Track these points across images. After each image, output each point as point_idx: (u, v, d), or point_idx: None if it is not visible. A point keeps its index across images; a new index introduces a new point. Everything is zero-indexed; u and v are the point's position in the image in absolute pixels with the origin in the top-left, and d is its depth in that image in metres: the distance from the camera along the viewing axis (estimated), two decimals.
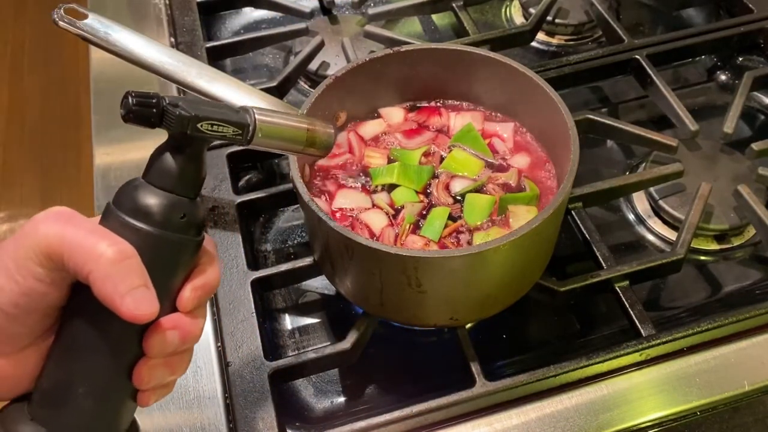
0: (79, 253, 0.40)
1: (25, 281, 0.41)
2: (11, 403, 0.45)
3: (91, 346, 0.43)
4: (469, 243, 0.62)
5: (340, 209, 0.65)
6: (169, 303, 0.45)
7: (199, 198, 0.47)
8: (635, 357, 0.64)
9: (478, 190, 0.66)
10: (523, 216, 0.63)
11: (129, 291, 0.40)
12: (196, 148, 0.45)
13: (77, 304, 0.43)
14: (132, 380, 0.44)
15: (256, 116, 0.48)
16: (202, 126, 0.44)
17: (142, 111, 0.43)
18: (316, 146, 0.55)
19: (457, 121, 0.72)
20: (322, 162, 0.69)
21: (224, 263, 0.71)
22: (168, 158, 0.44)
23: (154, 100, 0.43)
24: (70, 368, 0.43)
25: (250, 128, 0.47)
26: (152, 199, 0.44)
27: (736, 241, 0.77)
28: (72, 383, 0.43)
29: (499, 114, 0.72)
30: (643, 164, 0.81)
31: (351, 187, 0.67)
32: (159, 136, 0.70)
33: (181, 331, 0.45)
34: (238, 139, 0.47)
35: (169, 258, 0.45)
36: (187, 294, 0.45)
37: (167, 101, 0.43)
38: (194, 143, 0.45)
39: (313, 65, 0.91)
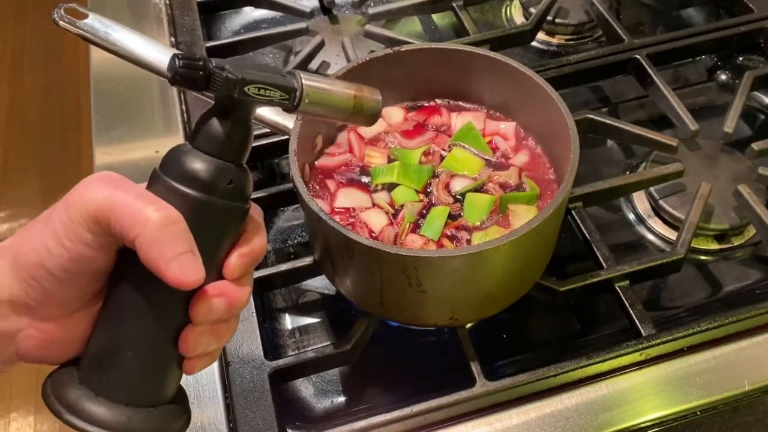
0: (126, 218, 0.40)
1: (74, 246, 0.41)
2: (61, 367, 0.45)
3: (138, 312, 0.43)
4: (469, 242, 0.62)
5: (340, 209, 0.65)
6: (215, 270, 0.45)
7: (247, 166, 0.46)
8: (635, 357, 0.64)
9: (478, 189, 0.66)
10: (523, 215, 0.63)
11: (175, 257, 0.40)
12: (243, 112, 0.45)
13: (124, 269, 0.43)
14: (178, 347, 0.44)
15: (303, 81, 0.47)
16: (249, 90, 0.43)
17: (189, 73, 0.42)
18: (363, 114, 0.52)
19: (458, 120, 0.72)
20: (322, 161, 0.69)
21: None
22: (215, 123, 0.44)
23: (200, 63, 0.42)
24: (117, 333, 0.43)
25: (297, 93, 0.46)
26: (199, 164, 0.43)
27: (737, 241, 0.77)
28: (119, 348, 0.43)
29: (498, 113, 0.72)
30: (644, 164, 0.81)
31: (351, 186, 0.67)
32: (159, 137, 0.70)
33: (227, 298, 0.44)
34: (285, 104, 0.46)
35: (215, 224, 0.44)
36: (234, 261, 0.45)
37: (214, 64, 0.43)
38: (241, 107, 0.44)
39: (314, 65, 0.91)
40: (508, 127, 0.71)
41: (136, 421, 0.43)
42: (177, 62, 0.42)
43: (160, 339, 0.44)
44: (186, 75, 0.42)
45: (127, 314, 0.43)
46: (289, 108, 0.47)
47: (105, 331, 0.44)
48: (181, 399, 0.47)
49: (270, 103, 0.45)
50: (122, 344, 0.43)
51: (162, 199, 0.42)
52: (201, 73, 0.42)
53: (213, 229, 0.44)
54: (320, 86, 0.48)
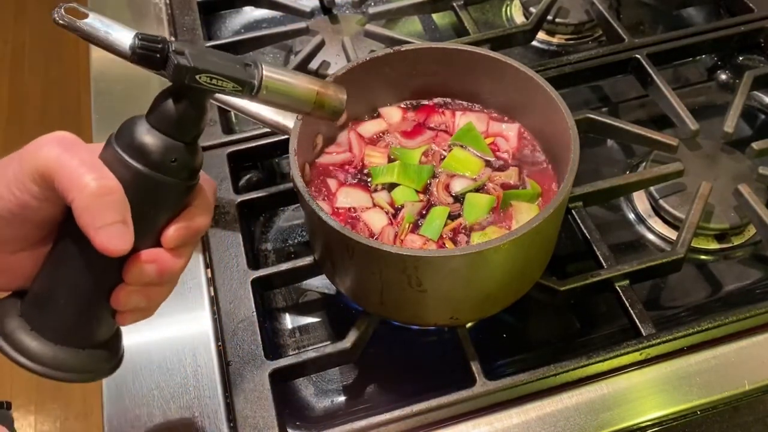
0: (67, 180, 0.43)
1: (21, 195, 0.44)
2: (10, 296, 0.49)
3: (76, 264, 0.46)
4: (468, 242, 0.62)
5: (341, 208, 0.65)
6: (153, 238, 0.48)
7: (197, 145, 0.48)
8: (635, 356, 0.64)
9: (478, 189, 0.66)
10: (525, 211, 0.63)
11: (103, 225, 0.43)
12: (197, 96, 0.46)
13: (69, 223, 0.45)
14: (110, 301, 0.48)
15: (264, 72, 0.48)
16: (200, 78, 0.45)
17: (147, 54, 0.44)
18: (324, 110, 0.54)
19: (458, 120, 0.72)
20: (322, 161, 0.69)
21: (225, 263, 0.71)
22: (169, 102, 0.46)
23: (159, 45, 0.44)
24: (56, 279, 0.47)
25: (256, 83, 0.48)
26: (147, 139, 0.46)
27: (737, 241, 0.77)
28: (56, 292, 0.47)
29: (496, 113, 0.72)
30: (644, 163, 0.81)
31: (351, 186, 0.67)
32: None
33: (159, 266, 0.48)
34: (238, 94, 0.48)
35: (155, 197, 0.47)
36: (171, 232, 0.48)
37: (173, 48, 0.44)
38: (194, 92, 0.46)
39: (314, 64, 0.91)
40: (510, 128, 0.71)
41: (62, 359, 0.47)
42: (136, 41, 0.44)
43: (93, 292, 0.47)
44: (143, 55, 0.44)
45: (67, 264, 0.46)
46: (245, 97, 0.49)
47: (46, 274, 0.47)
48: (112, 345, 0.51)
49: (222, 92, 0.47)
50: (59, 290, 0.47)
51: (107, 167, 0.44)
52: (158, 54, 0.44)
53: (153, 201, 0.47)
54: (281, 78, 0.50)
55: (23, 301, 0.48)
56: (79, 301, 0.47)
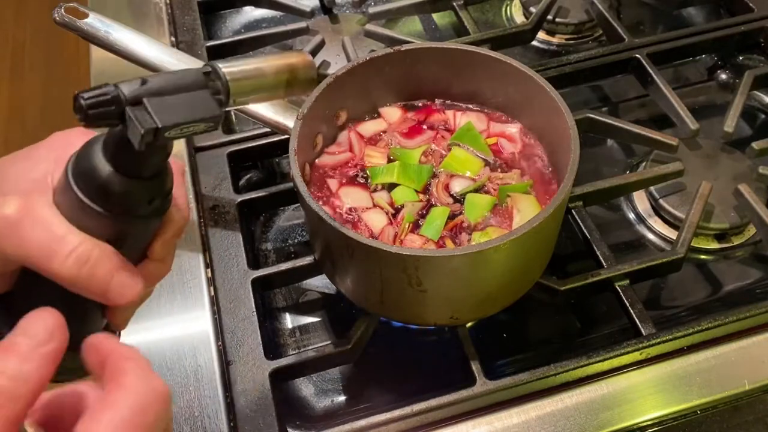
0: (35, 260, 0.39)
1: None
2: None
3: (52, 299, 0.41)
4: (469, 242, 0.62)
5: (341, 208, 0.65)
6: (141, 255, 0.44)
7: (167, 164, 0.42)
8: (635, 356, 0.64)
9: (478, 189, 0.66)
10: (524, 201, 0.64)
11: (103, 288, 0.40)
12: (165, 146, 0.41)
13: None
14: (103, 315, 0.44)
15: (228, 80, 0.41)
16: (169, 134, 0.38)
17: (100, 113, 0.37)
18: (298, 83, 0.48)
19: (458, 120, 0.72)
20: (322, 161, 0.69)
21: (225, 262, 0.71)
22: (130, 148, 0.38)
23: (110, 96, 0.37)
24: (38, 301, 0.40)
25: (224, 98, 0.42)
26: (117, 186, 0.40)
27: (737, 240, 0.77)
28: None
29: (496, 113, 0.72)
30: (644, 163, 0.81)
31: (351, 185, 0.67)
32: None
33: (151, 279, 0.45)
34: (211, 127, 0.41)
35: (139, 235, 0.43)
36: (158, 248, 0.45)
37: (125, 97, 0.37)
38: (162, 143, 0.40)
39: None
40: (512, 128, 0.71)
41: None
42: (82, 102, 0.36)
43: (84, 310, 0.43)
44: (97, 115, 0.37)
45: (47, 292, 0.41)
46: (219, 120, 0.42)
47: (25, 296, 0.42)
48: None
49: (195, 133, 0.40)
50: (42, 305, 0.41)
51: (74, 222, 0.39)
52: (114, 109, 0.37)
53: (137, 238, 0.43)
54: (245, 76, 0.44)
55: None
56: (68, 311, 0.41)
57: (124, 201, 0.40)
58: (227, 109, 0.43)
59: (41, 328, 0.36)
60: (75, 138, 0.42)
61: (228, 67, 0.42)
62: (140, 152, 0.38)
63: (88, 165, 0.40)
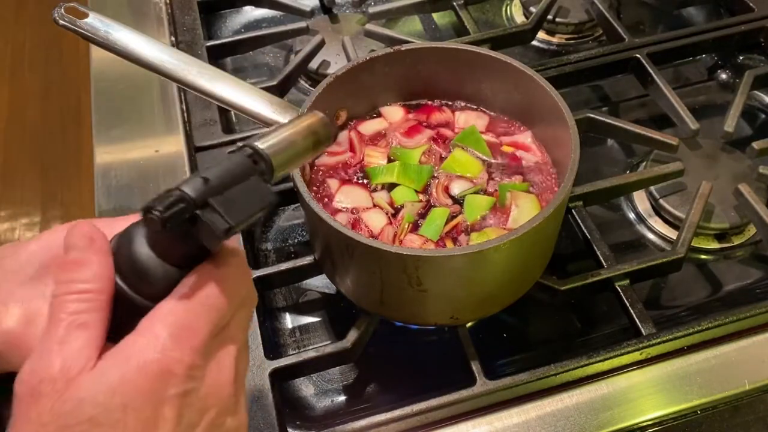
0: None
1: None
2: None
3: None
4: (468, 242, 0.62)
5: (341, 208, 0.65)
6: None
7: None
8: (635, 356, 0.64)
9: (477, 192, 0.66)
10: (522, 198, 0.64)
11: None
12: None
13: None
14: None
15: (271, 160, 0.42)
16: (239, 227, 0.39)
17: (175, 222, 0.37)
18: (322, 142, 0.49)
19: (459, 120, 0.72)
20: (322, 161, 0.69)
21: None
22: (185, 242, 0.39)
23: (182, 205, 0.37)
24: None
25: (270, 179, 0.43)
26: (162, 276, 0.40)
27: (737, 240, 0.76)
28: None
29: (496, 113, 0.72)
30: (644, 163, 0.81)
31: (351, 185, 0.67)
32: (159, 136, 0.69)
33: None
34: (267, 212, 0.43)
35: None
36: None
37: (194, 201, 0.38)
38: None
39: (314, 64, 0.91)
40: (525, 137, 0.70)
41: None
42: (156, 215, 0.37)
43: None
44: (173, 225, 0.37)
45: None
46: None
47: None
48: None
49: (255, 221, 0.42)
50: None
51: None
52: (185, 214, 0.38)
53: None
54: (280, 149, 0.44)
55: None
56: None
57: (166, 290, 0.40)
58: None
59: (81, 235, 0.39)
60: (59, 239, 0.42)
61: (264, 144, 0.43)
62: (188, 245, 0.39)
63: (133, 253, 0.40)
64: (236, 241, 0.41)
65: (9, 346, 0.41)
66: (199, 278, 0.39)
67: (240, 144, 0.43)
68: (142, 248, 0.40)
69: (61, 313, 0.38)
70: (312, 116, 0.48)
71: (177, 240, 0.39)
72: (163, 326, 0.37)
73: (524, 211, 0.64)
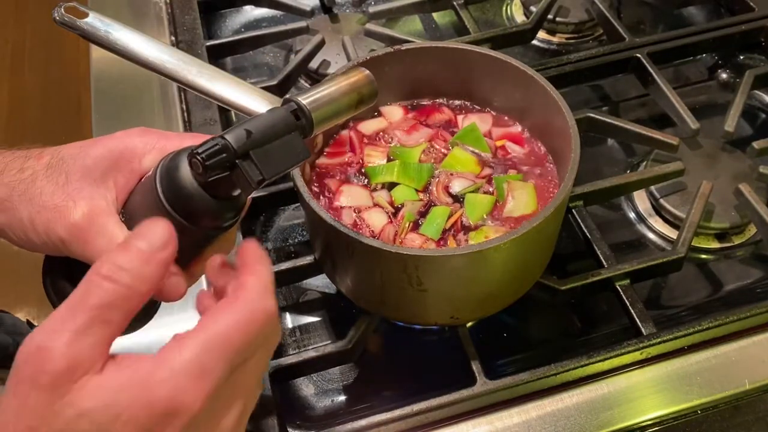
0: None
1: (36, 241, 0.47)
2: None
3: None
4: (466, 242, 0.62)
5: (341, 207, 0.65)
6: (187, 264, 0.47)
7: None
8: (636, 355, 0.64)
9: (477, 190, 0.66)
10: (518, 188, 0.64)
11: (163, 287, 0.44)
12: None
13: None
14: None
15: (311, 113, 0.45)
16: (270, 178, 0.42)
17: (214, 164, 0.41)
18: (364, 100, 0.50)
19: (459, 119, 0.72)
20: (322, 160, 0.69)
21: None
22: (227, 178, 0.43)
23: (223, 151, 0.41)
24: None
25: (308, 131, 0.46)
26: (203, 204, 0.43)
27: (737, 240, 0.76)
28: None
29: (496, 112, 0.72)
30: (644, 163, 0.81)
31: (351, 185, 0.67)
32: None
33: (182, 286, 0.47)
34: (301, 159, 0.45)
35: (199, 246, 0.47)
36: (199, 267, 0.48)
37: (235, 150, 0.41)
38: None
39: (314, 64, 0.91)
40: (517, 130, 0.70)
41: None
42: (198, 158, 0.41)
43: None
44: (212, 166, 0.41)
45: None
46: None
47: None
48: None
49: (287, 173, 0.45)
50: None
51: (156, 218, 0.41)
52: (226, 159, 0.41)
53: (196, 249, 0.47)
54: (322, 104, 0.46)
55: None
56: None
57: (205, 217, 0.44)
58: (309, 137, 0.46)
59: (159, 236, 0.38)
60: (134, 141, 0.48)
61: (307, 99, 0.45)
62: (230, 183, 0.43)
63: (178, 180, 0.43)
64: (270, 281, 0.41)
65: (72, 237, 0.45)
66: (226, 315, 0.38)
67: (287, 97, 0.45)
68: (186, 175, 0.43)
69: (93, 297, 0.36)
70: (358, 73, 0.50)
71: (218, 179, 0.42)
72: (182, 363, 0.36)
73: (520, 200, 0.64)
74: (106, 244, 0.45)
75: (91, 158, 0.48)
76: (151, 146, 0.48)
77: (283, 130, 0.44)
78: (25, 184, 0.47)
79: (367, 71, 0.50)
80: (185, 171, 0.43)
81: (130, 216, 0.47)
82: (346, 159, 0.69)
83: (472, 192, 0.66)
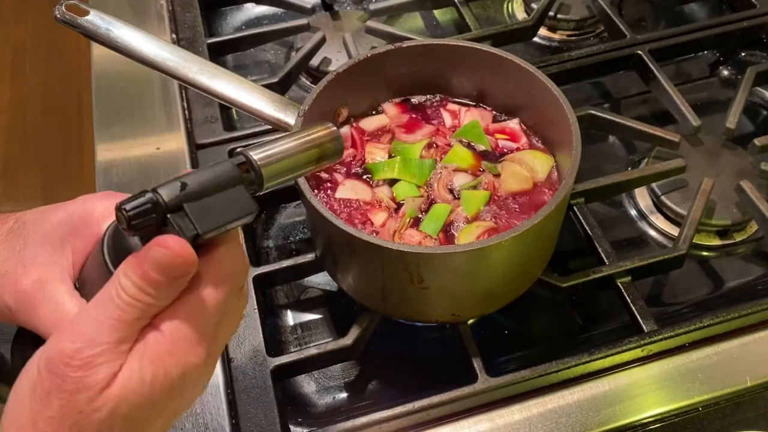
0: (45, 333, 0.43)
1: None
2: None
3: None
4: (456, 237, 0.62)
5: (342, 203, 0.65)
6: None
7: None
8: (637, 353, 0.64)
9: (477, 186, 0.66)
10: (508, 167, 0.66)
11: None
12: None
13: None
14: None
15: (260, 167, 0.42)
16: (206, 236, 0.40)
17: (142, 222, 0.38)
18: (328, 156, 0.48)
19: (460, 116, 0.72)
20: None
21: None
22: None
23: (151, 205, 0.38)
24: None
25: (257, 187, 0.43)
26: None
27: (738, 237, 0.76)
28: None
29: (497, 109, 0.72)
30: (645, 160, 0.81)
31: (353, 181, 0.67)
32: (160, 133, 0.69)
33: None
34: (247, 220, 0.42)
35: None
36: None
37: (166, 204, 0.38)
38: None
39: (315, 61, 0.91)
40: (513, 124, 0.70)
41: None
42: (124, 213, 0.38)
43: None
44: (139, 224, 0.38)
45: None
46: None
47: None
48: None
49: (232, 228, 0.42)
50: None
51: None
52: (154, 216, 0.39)
53: None
54: (276, 159, 0.44)
55: None
56: None
57: None
58: (260, 194, 0.44)
59: (180, 270, 0.39)
60: (95, 205, 0.46)
61: (259, 154, 0.43)
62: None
63: (122, 244, 0.42)
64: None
65: (19, 304, 0.44)
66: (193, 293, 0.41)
67: (238, 149, 0.43)
68: (133, 241, 0.41)
69: (133, 312, 0.39)
70: (321, 128, 0.48)
71: (154, 235, 0.39)
72: (169, 343, 0.40)
73: (510, 176, 0.65)
74: (53, 313, 0.43)
75: (50, 223, 0.46)
76: (111, 209, 0.44)
77: (227, 183, 0.41)
78: None
79: (334, 128, 0.48)
80: (130, 237, 0.41)
81: (83, 283, 0.45)
82: (348, 155, 0.69)
83: (472, 187, 0.66)
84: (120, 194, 0.46)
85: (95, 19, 0.64)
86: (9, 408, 0.40)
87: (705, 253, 0.76)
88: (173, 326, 0.40)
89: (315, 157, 0.47)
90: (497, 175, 0.66)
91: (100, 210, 0.47)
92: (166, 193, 0.39)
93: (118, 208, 0.38)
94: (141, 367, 0.39)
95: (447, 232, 0.63)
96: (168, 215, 0.39)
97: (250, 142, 0.80)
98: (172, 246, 0.38)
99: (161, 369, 0.40)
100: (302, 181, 0.59)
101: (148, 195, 0.38)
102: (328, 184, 0.67)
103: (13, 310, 0.44)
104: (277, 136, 0.45)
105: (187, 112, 0.85)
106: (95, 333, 0.39)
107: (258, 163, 0.42)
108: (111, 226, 0.43)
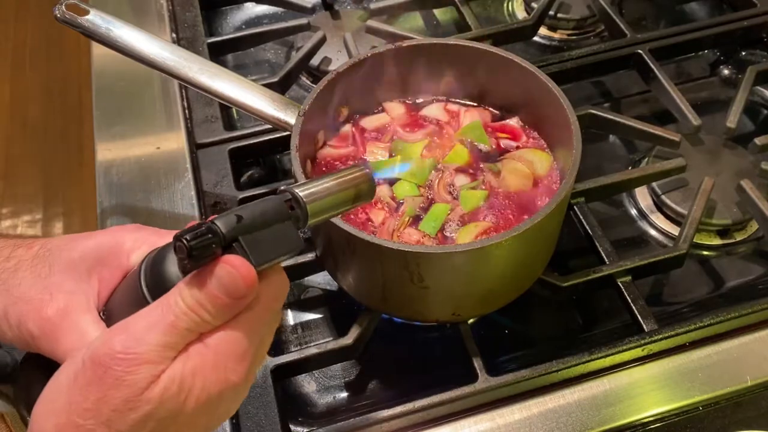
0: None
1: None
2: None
3: None
4: (454, 236, 0.62)
5: None
6: None
7: None
8: (637, 352, 0.64)
9: (476, 187, 0.66)
10: (509, 164, 0.66)
11: None
12: None
13: None
14: None
15: (307, 206, 0.43)
16: (260, 268, 0.41)
17: (202, 253, 0.39)
18: (362, 196, 0.49)
19: (461, 115, 0.72)
20: (324, 156, 0.69)
21: None
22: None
23: (211, 237, 0.39)
24: None
25: (302, 225, 0.44)
26: None
27: (739, 236, 0.76)
28: None
29: (497, 108, 0.72)
30: (646, 159, 0.81)
31: None
32: (160, 132, 0.69)
33: None
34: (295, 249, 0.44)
35: None
36: None
37: (224, 236, 0.39)
38: None
39: (315, 60, 0.91)
40: (513, 122, 0.70)
41: None
42: (185, 243, 0.38)
43: None
44: (198, 256, 0.39)
45: None
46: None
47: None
48: None
49: (279, 263, 0.44)
50: None
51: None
52: (213, 247, 0.39)
53: None
54: (319, 197, 0.45)
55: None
56: None
57: None
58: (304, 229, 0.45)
59: (241, 291, 0.40)
60: (125, 236, 0.46)
61: (304, 191, 0.44)
62: None
63: (163, 273, 0.42)
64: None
65: (42, 332, 0.43)
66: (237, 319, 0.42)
67: (282, 187, 0.44)
68: (172, 268, 0.41)
69: (186, 321, 0.40)
70: (358, 170, 0.49)
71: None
72: (219, 356, 0.41)
73: (510, 173, 0.65)
74: (77, 342, 0.42)
75: (78, 252, 0.46)
76: (141, 242, 0.47)
77: (275, 218, 0.42)
78: (8, 273, 0.46)
79: (368, 169, 0.49)
80: (171, 263, 0.42)
81: (111, 313, 0.45)
82: (349, 154, 0.69)
83: (472, 188, 0.65)
84: (150, 228, 0.48)
85: (95, 18, 0.65)
86: (45, 395, 0.40)
87: (705, 253, 0.76)
88: (219, 341, 0.41)
89: (351, 197, 0.48)
90: (497, 173, 0.66)
91: (129, 242, 0.46)
92: (224, 225, 0.40)
93: (178, 238, 0.39)
94: (182, 376, 0.39)
95: (440, 232, 0.63)
96: (224, 246, 0.40)
97: (251, 141, 0.80)
98: (238, 266, 0.39)
99: (201, 382, 0.40)
100: (302, 180, 0.59)
101: (208, 226, 0.39)
102: None
103: (36, 338, 0.43)
104: (315, 177, 0.46)
105: (187, 111, 0.85)
106: (145, 332, 0.39)
107: (305, 200, 0.43)
108: (150, 257, 0.43)
